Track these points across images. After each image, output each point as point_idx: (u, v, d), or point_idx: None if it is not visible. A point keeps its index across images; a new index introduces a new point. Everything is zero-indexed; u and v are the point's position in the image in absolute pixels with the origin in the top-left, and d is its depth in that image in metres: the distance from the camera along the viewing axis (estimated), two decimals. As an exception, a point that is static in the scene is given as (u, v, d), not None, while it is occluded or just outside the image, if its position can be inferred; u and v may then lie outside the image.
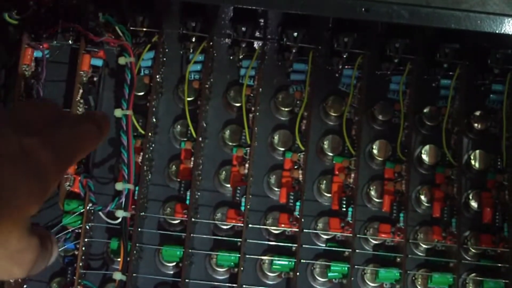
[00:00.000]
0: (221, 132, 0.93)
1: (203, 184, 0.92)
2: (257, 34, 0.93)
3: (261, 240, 0.91)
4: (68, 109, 0.87)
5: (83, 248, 0.85)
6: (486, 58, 0.91)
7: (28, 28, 0.89)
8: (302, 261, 0.89)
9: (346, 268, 0.88)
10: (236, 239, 0.89)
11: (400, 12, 0.77)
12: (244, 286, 0.88)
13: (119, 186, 0.84)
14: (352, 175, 0.89)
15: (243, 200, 0.88)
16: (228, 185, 0.91)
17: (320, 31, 0.93)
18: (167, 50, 0.93)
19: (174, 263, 0.89)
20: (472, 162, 0.92)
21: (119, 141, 0.85)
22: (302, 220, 0.88)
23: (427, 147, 0.92)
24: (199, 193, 0.91)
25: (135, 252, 0.85)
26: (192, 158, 0.89)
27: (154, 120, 0.91)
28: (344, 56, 0.91)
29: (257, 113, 0.90)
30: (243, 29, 0.90)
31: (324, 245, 0.91)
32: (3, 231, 0.44)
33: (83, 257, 0.85)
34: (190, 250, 0.88)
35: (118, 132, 0.85)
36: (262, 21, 0.93)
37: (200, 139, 0.89)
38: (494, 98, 0.93)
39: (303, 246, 0.89)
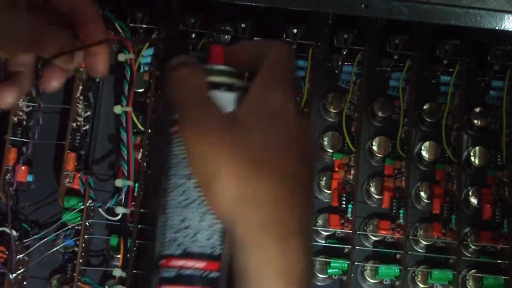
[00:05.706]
0: (221, 128, 0.93)
1: (202, 180, 0.91)
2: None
3: (261, 236, 0.91)
4: (68, 105, 0.87)
5: (83, 245, 0.85)
6: (486, 55, 0.91)
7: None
8: (302, 257, 0.88)
9: (346, 265, 0.87)
10: (235, 236, 0.88)
11: (400, 8, 0.77)
12: (243, 282, 0.88)
13: (118, 182, 0.84)
14: (352, 171, 0.89)
15: (242, 196, 0.88)
16: (228, 182, 0.91)
17: (320, 27, 0.93)
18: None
19: (174, 260, 0.89)
20: (472, 158, 0.92)
21: (118, 137, 0.84)
22: (302, 216, 0.87)
23: (427, 143, 0.92)
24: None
25: (135, 248, 0.85)
26: (192, 155, 0.88)
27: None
28: (344, 53, 0.91)
29: (257, 110, 0.90)
30: (243, 25, 0.90)
31: (323, 241, 0.91)
32: None
33: (83, 254, 0.85)
34: (190, 247, 0.87)
35: (118, 129, 0.85)
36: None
37: (200, 135, 0.89)
38: (494, 95, 0.93)
39: (303, 242, 0.89)
